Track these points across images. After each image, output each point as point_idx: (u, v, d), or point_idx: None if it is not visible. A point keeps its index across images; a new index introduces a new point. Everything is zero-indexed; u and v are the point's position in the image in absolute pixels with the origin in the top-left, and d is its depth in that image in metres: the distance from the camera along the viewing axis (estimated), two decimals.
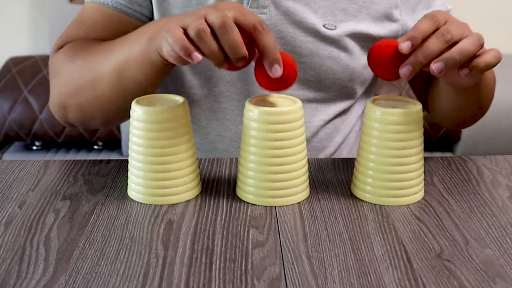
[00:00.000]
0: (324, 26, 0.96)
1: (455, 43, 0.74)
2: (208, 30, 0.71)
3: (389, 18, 0.99)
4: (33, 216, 0.75)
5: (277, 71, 0.74)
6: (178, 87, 1.01)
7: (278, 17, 0.96)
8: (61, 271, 0.64)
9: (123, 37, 0.90)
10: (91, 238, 0.70)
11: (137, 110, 0.77)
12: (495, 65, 0.75)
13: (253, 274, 0.63)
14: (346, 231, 0.72)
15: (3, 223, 0.74)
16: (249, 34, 0.73)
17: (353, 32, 0.97)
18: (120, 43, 0.89)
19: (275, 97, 0.80)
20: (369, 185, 0.78)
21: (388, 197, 0.78)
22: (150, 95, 0.81)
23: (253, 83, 0.99)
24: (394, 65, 0.75)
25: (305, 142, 0.79)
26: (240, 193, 0.80)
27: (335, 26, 0.96)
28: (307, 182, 0.81)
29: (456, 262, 0.66)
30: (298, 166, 0.78)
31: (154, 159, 0.77)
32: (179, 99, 0.79)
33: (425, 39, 0.73)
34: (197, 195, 0.80)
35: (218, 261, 0.65)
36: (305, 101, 1.01)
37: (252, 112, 0.76)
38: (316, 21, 0.96)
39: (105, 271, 0.64)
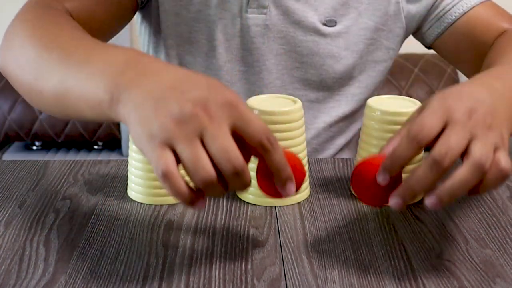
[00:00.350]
0: (324, 24, 0.96)
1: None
2: (215, 177, 0.55)
3: (389, 1, 0.98)
4: (33, 216, 0.75)
5: (290, 189, 0.61)
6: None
7: (278, 17, 0.96)
8: (61, 271, 0.64)
9: (88, 46, 0.71)
10: (91, 238, 0.70)
11: None
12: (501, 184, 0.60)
13: (253, 274, 0.63)
14: (346, 231, 0.72)
15: (3, 223, 0.74)
16: (254, 151, 0.59)
17: (355, 25, 0.97)
18: (80, 60, 0.68)
19: (275, 97, 0.80)
20: None
21: None
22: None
23: (253, 83, 0.99)
24: (381, 189, 0.62)
25: (305, 142, 0.79)
26: (240, 193, 0.80)
27: (335, 22, 0.96)
28: (307, 182, 0.81)
29: (456, 262, 0.66)
30: None
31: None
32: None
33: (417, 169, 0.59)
34: None
35: (218, 261, 0.65)
36: (307, 101, 1.00)
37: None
38: (316, 19, 0.96)
39: (105, 271, 0.64)
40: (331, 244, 0.69)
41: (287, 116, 0.75)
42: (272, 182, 0.62)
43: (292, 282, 0.62)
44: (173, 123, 0.55)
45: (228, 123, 0.56)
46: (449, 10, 0.97)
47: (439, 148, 0.57)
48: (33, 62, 0.73)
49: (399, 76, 2.04)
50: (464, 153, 0.58)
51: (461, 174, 0.57)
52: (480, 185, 0.58)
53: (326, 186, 0.84)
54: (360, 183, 0.63)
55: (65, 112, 0.70)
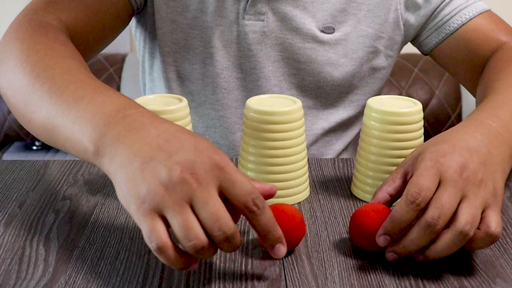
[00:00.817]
0: (322, 31, 0.95)
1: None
2: (207, 243, 0.55)
3: (388, 9, 0.97)
4: (33, 216, 0.75)
5: (280, 251, 0.60)
6: (179, 93, 1.01)
7: (275, 24, 0.95)
8: (61, 271, 0.63)
9: (80, 84, 0.68)
10: (91, 238, 0.70)
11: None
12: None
13: (253, 274, 0.63)
14: (346, 231, 0.72)
15: (3, 223, 0.74)
16: (241, 212, 0.58)
17: (353, 32, 0.96)
18: (69, 100, 0.66)
19: (275, 97, 0.80)
20: (369, 185, 0.78)
21: None
22: (147, 96, 0.80)
23: (250, 91, 0.99)
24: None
25: (305, 142, 0.79)
26: None
27: (333, 29, 0.95)
28: (307, 182, 0.81)
29: (456, 262, 0.65)
30: (298, 166, 0.78)
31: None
32: (180, 99, 0.79)
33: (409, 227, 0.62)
34: None
35: (218, 261, 0.65)
36: (305, 108, 0.99)
37: (252, 112, 0.76)
38: (314, 25, 0.95)
39: (105, 271, 0.64)
40: (331, 244, 0.69)
41: (287, 116, 0.75)
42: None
43: (292, 282, 0.62)
44: (162, 188, 0.54)
45: (215, 185, 0.56)
46: (447, 21, 0.96)
47: (433, 212, 0.60)
48: (25, 89, 0.71)
49: (399, 76, 2.04)
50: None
51: (446, 240, 0.60)
52: (469, 246, 0.61)
53: (326, 186, 0.84)
54: (358, 231, 0.65)
55: (54, 145, 0.69)
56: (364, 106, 1.00)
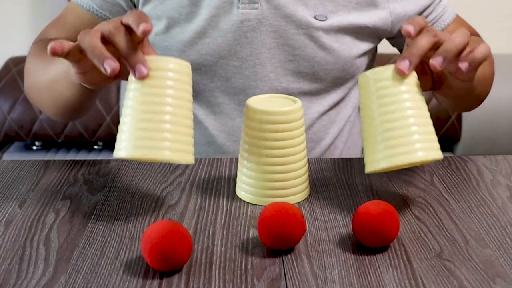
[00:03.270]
0: (315, 17, 0.98)
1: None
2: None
3: (377, 6, 1.00)
4: (33, 216, 0.75)
5: (140, 69, 0.69)
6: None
7: (269, 11, 0.97)
8: (61, 271, 0.64)
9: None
10: (91, 238, 0.70)
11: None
12: (488, 56, 0.76)
13: (253, 274, 0.63)
14: (346, 231, 0.72)
15: (3, 223, 0.74)
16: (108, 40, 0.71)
17: (344, 23, 0.99)
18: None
19: (275, 97, 0.80)
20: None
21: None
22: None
23: (247, 77, 1.00)
24: (380, 232, 0.66)
25: (305, 142, 0.79)
26: (240, 193, 0.80)
27: (325, 17, 0.98)
28: (307, 182, 0.81)
29: (456, 262, 0.66)
30: (298, 166, 0.78)
31: (144, 108, 0.70)
32: (182, 61, 0.73)
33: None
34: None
35: (218, 261, 0.65)
36: (301, 93, 1.02)
37: (252, 111, 0.76)
38: (307, 13, 0.97)
39: (105, 271, 0.64)
40: (331, 244, 0.69)
41: (287, 116, 0.75)
42: (273, 231, 0.65)
43: (292, 282, 0.62)
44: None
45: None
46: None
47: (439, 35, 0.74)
48: (36, 69, 0.95)
49: None
50: None
51: (452, 36, 0.74)
52: (475, 50, 0.74)
53: (326, 186, 0.84)
54: (361, 228, 0.67)
55: (56, 100, 0.89)
56: (354, 87, 1.06)
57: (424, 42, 0.73)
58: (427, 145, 0.71)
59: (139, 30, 0.69)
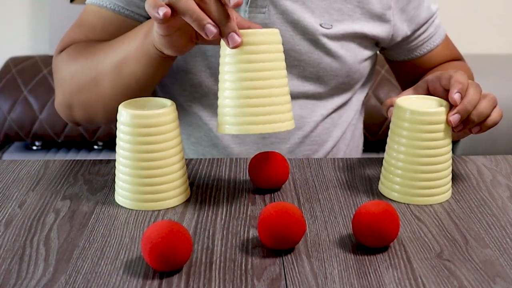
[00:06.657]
0: (321, 25, 0.98)
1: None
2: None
3: (382, 19, 1.01)
4: (33, 216, 0.75)
5: (234, 38, 0.72)
6: (183, 85, 1.02)
7: (276, 17, 0.97)
8: (61, 271, 0.64)
9: (122, 35, 0.92)
10: (91, 238, 0.70)
11: (123, 114, 0.76)
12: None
13: (253, 274, 0.63)
14: (346, 231, 0.72)
15: (3, 223, 0.74)
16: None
17: (349, 31, 1.00)
18: (119, 41, 0.90)
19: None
20: (397, 184, 0.78)
21: (416, 196, 0.78)
22: (138, 98, 0.80)
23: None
24: (380, 232, 0.66)
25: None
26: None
27: (331, 25, 0.99)
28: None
29: (456, 262, 0.66)
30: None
31: (141, 164, 0.75)
32: (167, 102, 0.77)
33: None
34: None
35: (218, 261, 0.65)
36: (305, 97, 1.03)
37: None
38: (313, 20, 0.98)
39: (105, 271, 0.64)
40: (331, 244, 0.69)
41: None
42: (273, 231, 0.65)
43: (292, 282, 0.62)
44: None
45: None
46: (420, 46, 1.08)
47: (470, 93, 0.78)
48: (85, 66, 0.94)
49: None
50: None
51: (481, 106, 0.78)
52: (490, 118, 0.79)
53: (326, 186, 0.84)
54: (361, 229, 0.67)
55: (125, 83, 0.90)
56: (357, 91, 1.08)
57: (476, 97, 0.77)
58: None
59: (231, 2, 0.70)
